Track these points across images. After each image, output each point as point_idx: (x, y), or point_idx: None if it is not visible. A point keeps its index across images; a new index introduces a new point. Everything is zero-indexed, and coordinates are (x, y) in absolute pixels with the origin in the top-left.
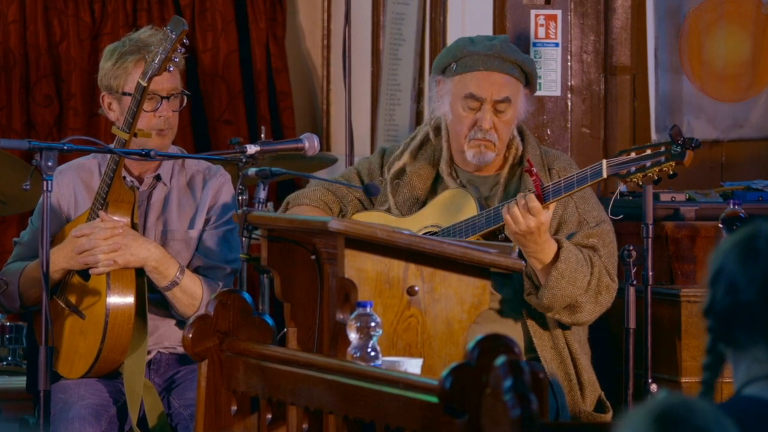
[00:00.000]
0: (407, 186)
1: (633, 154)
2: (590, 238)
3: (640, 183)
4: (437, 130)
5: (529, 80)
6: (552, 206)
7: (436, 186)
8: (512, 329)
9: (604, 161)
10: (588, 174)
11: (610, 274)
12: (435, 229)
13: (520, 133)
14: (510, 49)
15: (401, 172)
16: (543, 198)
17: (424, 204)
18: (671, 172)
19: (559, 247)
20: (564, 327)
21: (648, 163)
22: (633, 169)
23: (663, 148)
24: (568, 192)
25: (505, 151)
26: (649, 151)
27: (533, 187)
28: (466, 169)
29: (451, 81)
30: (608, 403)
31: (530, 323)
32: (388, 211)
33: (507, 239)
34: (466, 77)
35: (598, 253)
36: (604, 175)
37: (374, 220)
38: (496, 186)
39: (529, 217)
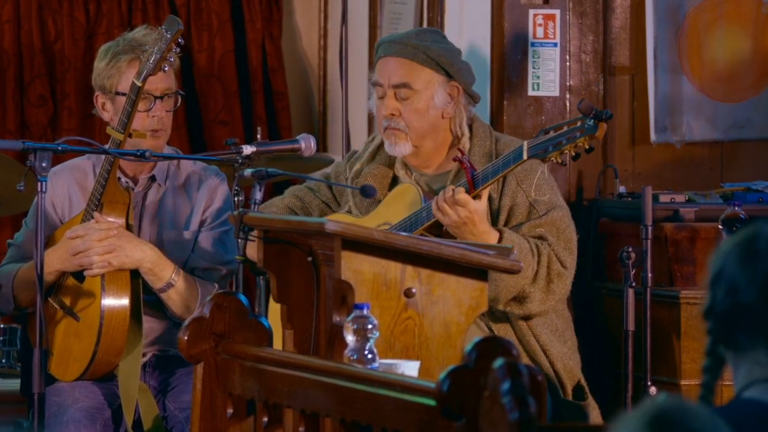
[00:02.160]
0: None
1: (552, 133)
2: (537, 228)
3: (559, 161)
4: None
5: (447, 72)
6: (484, 194)
7: (394, 185)
8: (473, 326)
9: (525, 142)
10: (511, 157)
11: (562, 261)
12: (386, 227)
13: (471, 128)
14: (420, 37)
15: (359, 173)
16: (473, 185)
17: (380, 202)
18: (587, 147)
19: (501, 238)
20: (526, 318)
21: (564, 141)
22: (550, 148)
23: (578, 123)
24: (496, 176)
25: (449, 149)
26: (565, 128)
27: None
28: (416, 167)
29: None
30: (587, 389)
31: (490, 318)
32: (349, 212)
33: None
34: (376, 66)
35: (547, 241)
36: (525, 156)
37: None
38: (445, 183)
39: (457, 209)
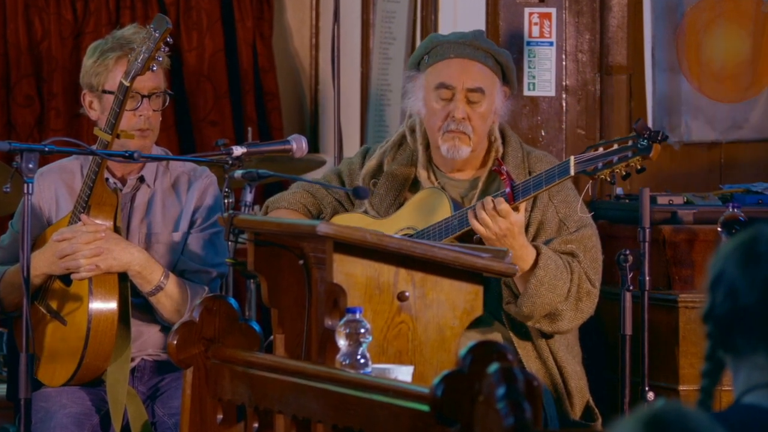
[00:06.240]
0: (383, 187)
1: (601, 149)
2: (569, 244)
3: (608, 179)
4: (413, 131)
5: (506, 75)
6: (522, 207)
7: (414, 188)
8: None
9: (572, 158)
10: (556, 172)
11: (591, 280)
12: (411, 231)
13: (503, 134)
14: (483, 40)
15: (376, 172)
16: (513, 197)
17: (401, 205)
18: (639, 167)
19: (538, 254)
20: (546, 335)
21: (615, 159)
22: (600, 165)
23: (630, 143)
24: (537, 191)
25: (484, 154)
26: (616, 146)
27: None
28: (444, 171)
29: (423, 74)
30: (596, 410)
31: (512, 334)
32: (365, 213)
33: (481, 241)
34: (438, 66)
35: (578, 258)
36: (572, 172)
37: (352, 222)
38: (474, 190)
39: (498, 219)
